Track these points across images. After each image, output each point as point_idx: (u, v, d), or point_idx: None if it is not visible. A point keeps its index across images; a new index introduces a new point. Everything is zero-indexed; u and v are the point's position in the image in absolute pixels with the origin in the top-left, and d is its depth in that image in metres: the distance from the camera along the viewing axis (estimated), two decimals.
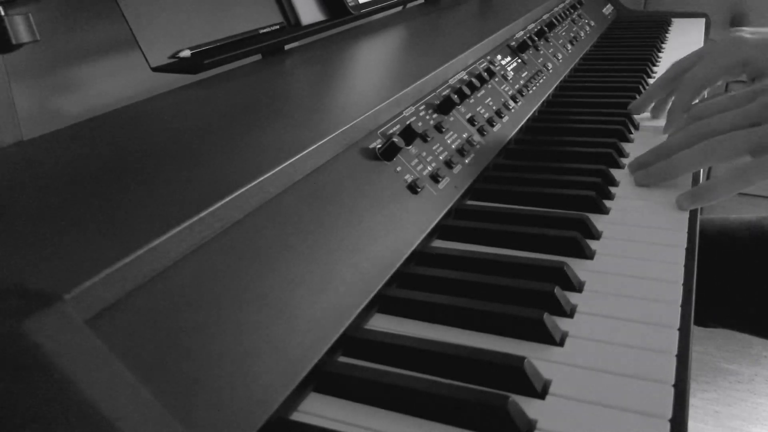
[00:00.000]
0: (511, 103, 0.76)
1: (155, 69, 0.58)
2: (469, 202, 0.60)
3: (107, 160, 0.43)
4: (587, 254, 0.49)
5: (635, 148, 0.72)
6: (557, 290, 0.43)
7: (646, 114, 0.82)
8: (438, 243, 0.53)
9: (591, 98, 0.87)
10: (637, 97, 0.84)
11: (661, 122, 0.80)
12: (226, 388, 0.31)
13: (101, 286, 0.28)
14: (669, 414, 0.33)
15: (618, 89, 0.91)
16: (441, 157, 0.58)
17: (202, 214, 0.34)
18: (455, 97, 0.62)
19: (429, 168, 0.55)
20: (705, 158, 0.53)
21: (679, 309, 0.42)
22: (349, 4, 0.83)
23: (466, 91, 0.65)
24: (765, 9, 1.80)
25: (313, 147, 0.44)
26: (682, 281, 0.45)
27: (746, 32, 0.69)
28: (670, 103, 0.74)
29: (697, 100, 0.72)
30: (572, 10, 1.20)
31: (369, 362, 0.39)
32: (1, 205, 0.37)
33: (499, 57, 0.82)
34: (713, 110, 0.56)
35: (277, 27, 0.74)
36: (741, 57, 0.67)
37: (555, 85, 0.91)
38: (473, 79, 0.68)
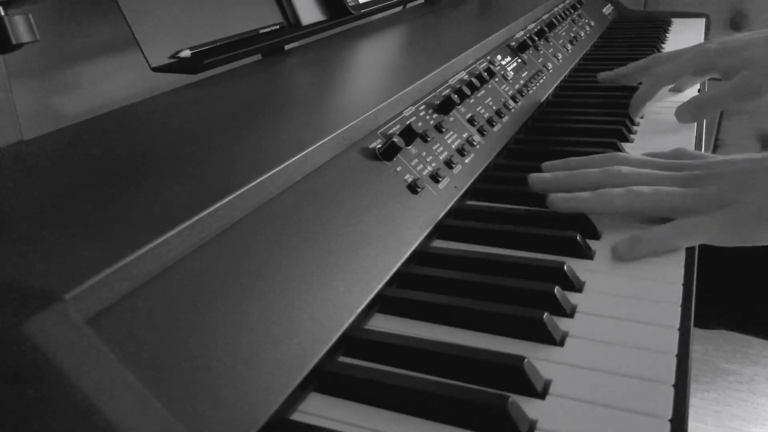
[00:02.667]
0: (511, 103, 0.76)
1: (155, 69, 0.58)
2: (469, 202, 0.60)
3: (107, 160, 0.43)
4: (587, 254, 0.49)
5: (635, 148, 0.72)
6: (557, 290, 0.43)
7: (644, 116, 0.83)
8: (438, 243, 0.53)
9: (591, 98, 0.87)
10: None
11: (659, 123, 0.80)
12: (226, 388, 0.31)
13: (101, 286, 0.28)
14: (669, 414, 0.33)
15: (618, 89, 0.91)
16: (441, 157, 0.58)
17: (202, 214, 0.34)
18: (455, 97, 0.62)
19: (429, 168, 0.55)
20: (629, 203, 0.52)
21: (679, 309, 0.42)
22: (349, 4, 0.83)
23: (466, 91, 0.65)
24: (765, 9, 1.80)
25: (313, 147, 0.44)
26: (682, 281, 0.45)
27: (713, 43, 0.79)
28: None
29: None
30: (572, 10, 1.20)
31: (369, 362, 0.39)
32: (1, 205, 0.36)
33: (499, 57, 0.82)
34: (638, 164, 0.57)
35: (277, 27, 0.74)
36: (705, 64, 0.78)
37: (555, 85, 0.91)
38: (473, 79, 0.68)
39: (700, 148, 0.74)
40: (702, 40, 1.22)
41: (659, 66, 0.81)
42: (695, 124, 0.79)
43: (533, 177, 0.58)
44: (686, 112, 0.75)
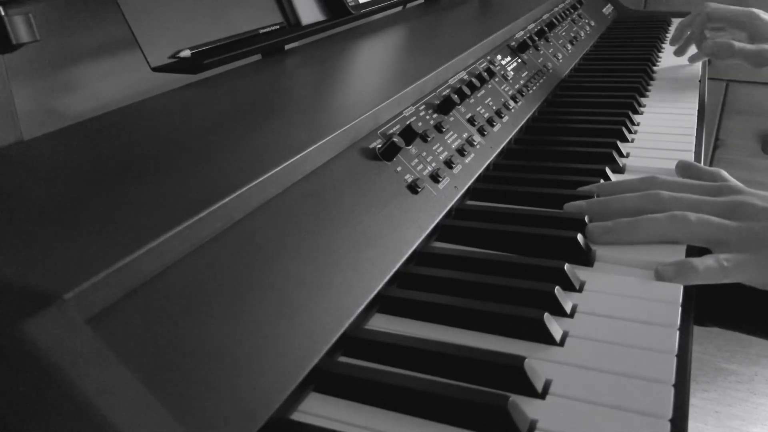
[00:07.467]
0: (511, 103, 0.76)
1: (155, 69, 0.58)
2: (469, 202, 0.60)
3: (107, 160, 0.43)
4: (588, 254, 0.49)
5: (635, 149, 0.72)
6: (557, 290, 0.43)
7: (645, 116, 0.83)
8: (438, 243, 0.53)
9: (591, 98, 0.87)
10: (637, 96, 0.86)
11: (660, 124, 0.80)
12: (226, 388, 0.31)
13: (101, 286, 0.28)
14: (669, 414, 0.33)
15: (618, 89, 0.91)
16: (441, 157, 0.58)
17: (202, 214, 0.34)
18: (455, 97, 0.62)
19: (429, 168, 0.55)
20: (672, 231, 0.49)
21: (680, 309, 0.42)
22: (349, 4, 0.83)
23: (466, 91, 0.65)
24: (765, 9, 1.80)
25: (313, 147, 0.44)
26: None
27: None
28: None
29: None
30: (572, 10, 1.20)
31: (369, 362, 0.39)
32: (1, 205, 0.36)
33: (499, 57, 0.82)
34: (677, 187, 0.54)
35: (277, 27, 0.74)
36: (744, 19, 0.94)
37: (555, 85, 0.91)
38: (473, 79, 0.68)
39: (700, 148, 0.74)
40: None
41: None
42: (695, 124, 0.79)
43: (567, 206, 0.55)
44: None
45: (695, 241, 0.50)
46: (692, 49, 1.07)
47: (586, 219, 0.53)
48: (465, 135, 0.63)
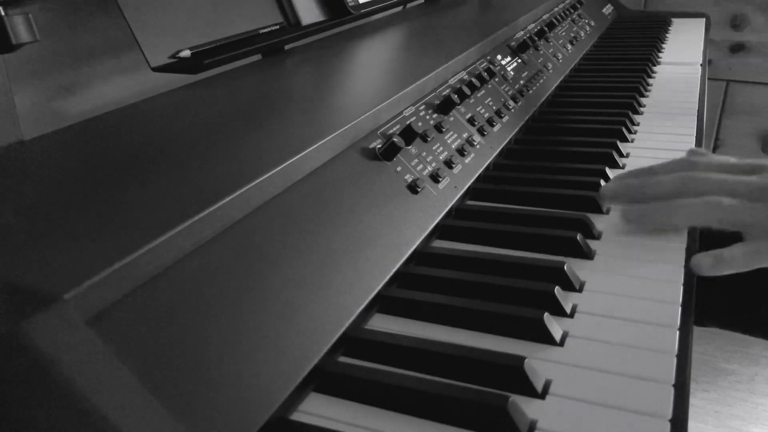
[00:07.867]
0: (511, 103, 0.76)
1: (155, 69, 0.58)
2: (469, 202, 0.60)
3: (107, 160, 0.43)
4: (587, 254, 0.49)
5: (635, 149, 0.72)
6: (557, 290, 0.43)
7: (645, 116, 0.83)
8: (438, 243, 0.53)
9: (591, 98, 0.87)
10: (637, 96, 0.86)
11: (660, 124, 0.80)
12: (226, 388, 0.31)
13: (101, 286, 0.28)
14: (669, 414, 0.33)
15: (618, 89, 0.91)
16: (441, 157, 0.58)
17: (202, 214, 0.34)
18: (455, 97, 0.62)
19: (429, 168, 0.55)
20: (707, 216, 0.49)
21: (679, 309, 0.42)
22: (349, 4, 0.83)
23: (466, 91, 0.65)
24: (764, 9, 1.81)
25: (313, 147, 0.44)
26: (682, 281, 0.45)
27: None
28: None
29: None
30: (572, 10, 1.20)
31: (369, 362, 0.39)
32: (2, 205, 0.36)
33: (499, 57, 0.82)
34: (712, 167, 0.54)
35: (277, 27, 0.74)
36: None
37: (555, 86, 0.91)
38: (473, 79, 0.68)
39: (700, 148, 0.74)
40: (702, 40, 1.22)
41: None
42: (695, 124, 0.79)
43: (603, 189, 0.55)
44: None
45: (728, 226, 0.50)
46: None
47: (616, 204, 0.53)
48: (465, 135, 0.63)
